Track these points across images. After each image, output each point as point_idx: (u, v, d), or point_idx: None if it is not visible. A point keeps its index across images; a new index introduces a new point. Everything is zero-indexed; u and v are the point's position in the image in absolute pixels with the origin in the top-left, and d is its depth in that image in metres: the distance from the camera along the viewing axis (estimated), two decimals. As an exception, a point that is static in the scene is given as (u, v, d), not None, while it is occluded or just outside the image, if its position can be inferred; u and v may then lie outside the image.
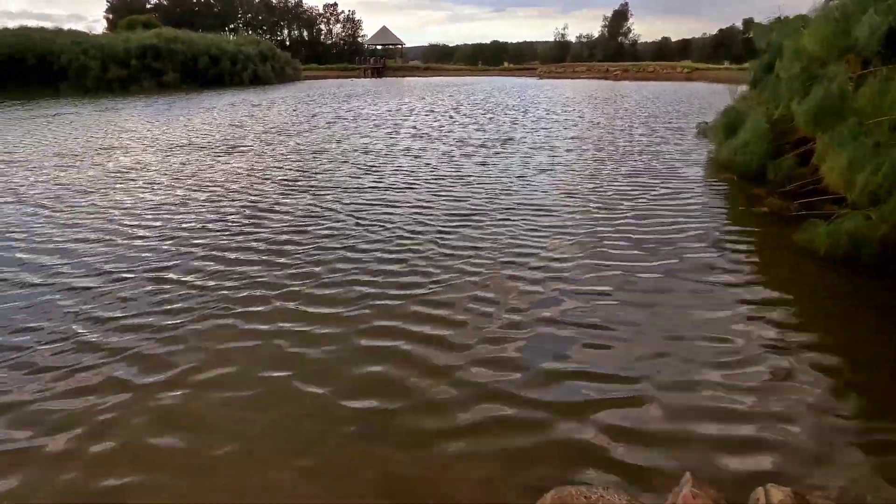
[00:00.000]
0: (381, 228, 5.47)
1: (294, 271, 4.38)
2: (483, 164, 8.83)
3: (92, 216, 5.99)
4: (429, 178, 7.84)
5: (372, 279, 4.20)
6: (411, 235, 5.25)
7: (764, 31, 8.38)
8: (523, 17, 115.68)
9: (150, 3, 64.69)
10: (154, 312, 3.67)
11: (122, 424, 2.55)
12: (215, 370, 2.99)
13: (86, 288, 4.07)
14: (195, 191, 7.14)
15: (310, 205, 6.42)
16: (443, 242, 5.03)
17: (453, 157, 9.48)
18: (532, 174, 7.97)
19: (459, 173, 8.09)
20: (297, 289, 4.04)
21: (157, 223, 5.71)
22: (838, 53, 6.06)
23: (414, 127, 13.54)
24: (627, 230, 5.36)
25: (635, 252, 4.77)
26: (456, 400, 2.72)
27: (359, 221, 5.73)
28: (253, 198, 6.77)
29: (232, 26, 68.06)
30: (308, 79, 42.99)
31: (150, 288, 4.07)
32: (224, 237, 5.24)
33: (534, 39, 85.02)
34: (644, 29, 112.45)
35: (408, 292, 3.95)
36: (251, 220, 5.81)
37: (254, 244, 5.04)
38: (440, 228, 5.44)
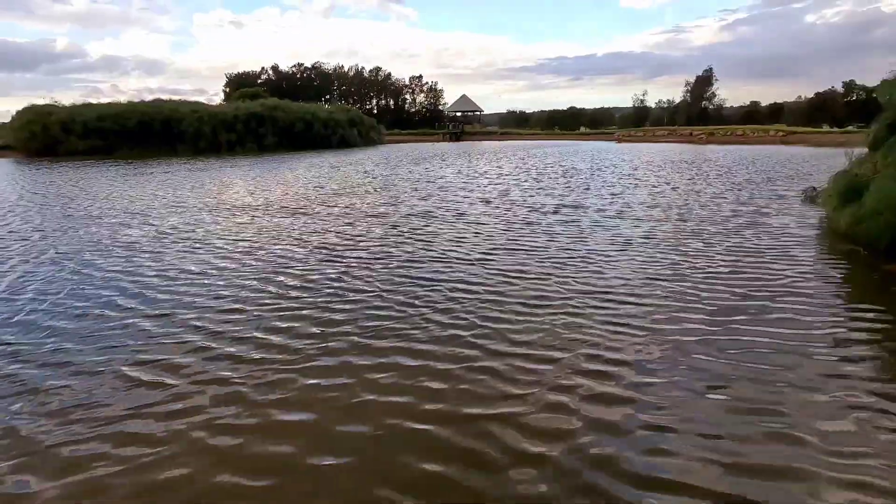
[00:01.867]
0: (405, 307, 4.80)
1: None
2: (553, 234, 8.15)
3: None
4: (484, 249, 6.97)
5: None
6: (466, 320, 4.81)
7: (890, 86, 7.43)
8: (601, 85, 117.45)
9: (260, 79, 73.76)
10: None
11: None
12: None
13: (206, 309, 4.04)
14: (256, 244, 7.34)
15: (329, 278, 5.73)
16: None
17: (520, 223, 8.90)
18: (608, 249, 6.96)
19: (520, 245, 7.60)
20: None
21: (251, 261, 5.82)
22: None
23: (477, 191, 12.99)
24: (725, 330, 4.45)
25: (737, 359, 3.79)
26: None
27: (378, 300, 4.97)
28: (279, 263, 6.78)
29: (328, 97, 75.26)
30: (391, 142, 45.74)
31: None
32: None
33: (611, 105, 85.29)
34: (729, 94, 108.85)
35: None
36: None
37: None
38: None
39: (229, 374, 3.50)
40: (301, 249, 7.00)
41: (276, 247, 7.16)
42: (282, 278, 5.65)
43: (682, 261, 6.18)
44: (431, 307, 4.69)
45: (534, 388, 3.27)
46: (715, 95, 70.57)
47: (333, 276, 5.73)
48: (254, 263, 6.29)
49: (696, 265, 5.96)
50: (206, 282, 5.54)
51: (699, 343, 3.89)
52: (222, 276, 5.77)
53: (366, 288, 5.28)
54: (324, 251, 6.90)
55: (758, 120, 57.89)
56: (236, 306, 4.78)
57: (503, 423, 2.91)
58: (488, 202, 11.02)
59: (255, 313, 4.59)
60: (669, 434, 2.77)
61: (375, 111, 75.10)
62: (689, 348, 3.80)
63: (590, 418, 2.95)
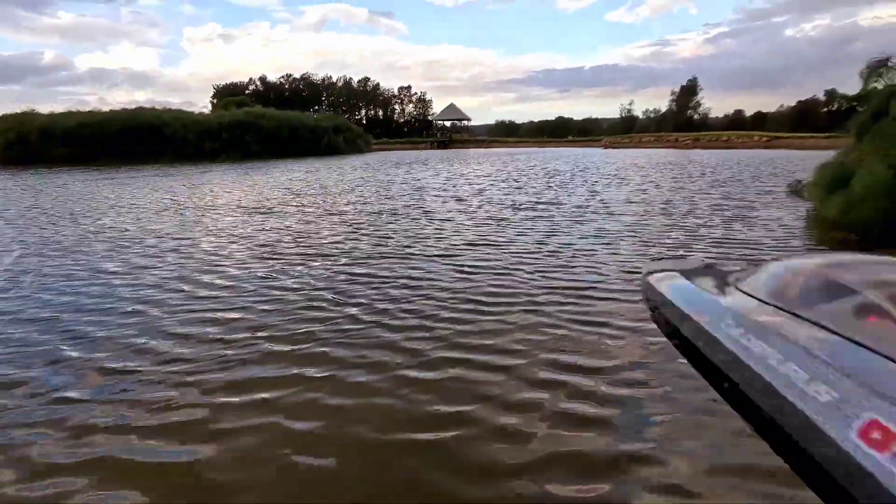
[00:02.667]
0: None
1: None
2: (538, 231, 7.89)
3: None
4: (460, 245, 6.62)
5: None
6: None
7: (874, 72, 7.29)
8: (589, 96, 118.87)
9: (248, 90, 73.42)
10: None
11: None
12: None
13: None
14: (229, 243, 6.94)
15: (258, 276, 5.31)
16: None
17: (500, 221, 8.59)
18: (590, 241, 6.71)
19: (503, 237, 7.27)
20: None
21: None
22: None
23: (452, 191, 12.49)
24: None
25: None
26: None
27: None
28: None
29: (316, 108, 75.02)
30: (379, 150, 45.51)
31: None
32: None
33: (599, 116, 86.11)
34: (714, 104, 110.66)
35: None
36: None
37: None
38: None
39: (122, 384, 2.99)
40: (237, 247, 6.52)
41: (211, 245, 6.69)
42: (205, 277, 5.13)
43: (674, 244, 5.97)
44: (367, 307, 4.13)
45: (483, 405, 2.62)
46: (700, 105, 71.50)
47: (263, 274, 5.19)
48: (179, 261, 5.84)
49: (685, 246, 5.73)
50: (116, 282, 5.00)
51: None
52: (140, 275, 5.25)
53: (296, 286, 4.75)
54: (262, 248, 6.42)
55: (743, 128, 58.61)
56: (139, 308, 4.19)
57: (438, 454, 2.25)
58: (461, 200, 10.71)
59: (157, 316, 4.01)
60: (657, 467, 2.15)
61: (364, 121, 74.97)
62: (671, 352, 3.48)
63: (551, 448, 2.26)
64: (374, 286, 4.70)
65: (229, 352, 3.32)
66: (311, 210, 9.72)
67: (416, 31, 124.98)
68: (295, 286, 4.75)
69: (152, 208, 10.21)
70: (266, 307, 4.17)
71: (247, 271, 5.34)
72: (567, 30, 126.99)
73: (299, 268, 5.43)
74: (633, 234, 6.88)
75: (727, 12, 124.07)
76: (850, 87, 7.69)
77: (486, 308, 4.04)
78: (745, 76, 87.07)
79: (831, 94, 63.43)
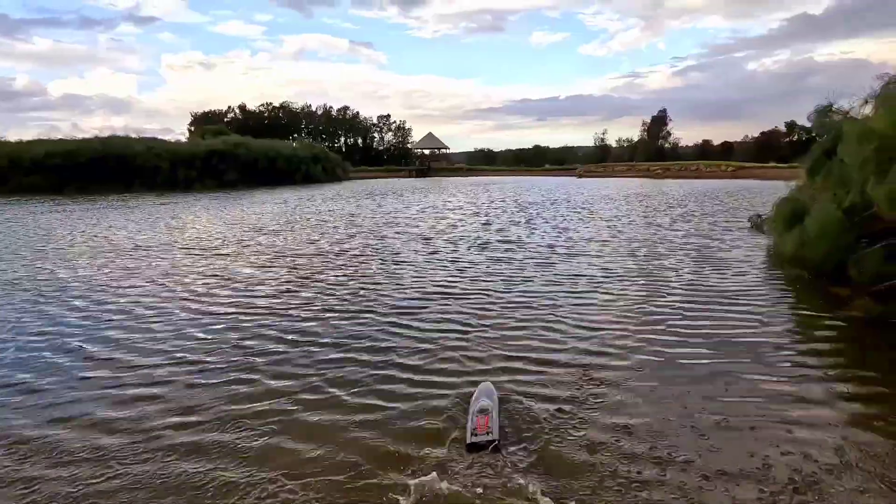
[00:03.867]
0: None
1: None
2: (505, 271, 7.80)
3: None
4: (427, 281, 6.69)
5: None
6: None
7: (821, 115, 7.63)
8: (565, 125, 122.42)
9: (227, 118, 73.25)
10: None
11: None
12: None
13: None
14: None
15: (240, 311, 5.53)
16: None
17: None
18: (557, 278, 6.90)
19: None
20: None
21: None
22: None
23: (416, 227, 12.16)
24: (676, 344, 4.24)
25: (688, 380, 3.62)
26: None
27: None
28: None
29: (295, 135, 75.11)
30: (357, 178, 45.56)
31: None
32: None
33: (574, 144, 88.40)
34: (683, 133, 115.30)
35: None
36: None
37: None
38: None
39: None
40: (153, 300, 5.91)
41: (120, 297, 6.03)
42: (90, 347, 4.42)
43: (638, 292, 6.00)
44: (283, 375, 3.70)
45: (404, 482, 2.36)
46: (670, 134, 74.29)
47: (172, 338, 4.55)
48: (78, 305, 5.58)
49: (649, 296, 5.78)
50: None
51: (650, 357, 3.54)
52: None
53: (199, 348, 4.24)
54: (184, 303, 5.72)
55: (711, 157, 60.87)
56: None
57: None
58: (427, 239, 10.12)
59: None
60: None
61: (344, 149, 75.33)
62: (630, 384, 3.45)
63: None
64: (300, 345, 4.29)
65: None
66: (264, 250, 9.13)
67: (396, 61, 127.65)
68: (194, 349, 4.24)
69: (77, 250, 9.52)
70: (160, 379, 3.71)
71: (150, 334, 4.65)
72: (542, 62, 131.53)
73: (214, 325, 4.87)
74: (596, 286, 6.21)
75: (693, 47, 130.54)
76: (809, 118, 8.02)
77: (436, 379, 3.60)
78: (712, 107, 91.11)
79: (791, 126, 66.90)
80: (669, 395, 3.26)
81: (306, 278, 6.93)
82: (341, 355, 4.06)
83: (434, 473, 2.38)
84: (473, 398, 3.08)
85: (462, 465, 2.53)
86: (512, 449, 2.67)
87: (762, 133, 70.72)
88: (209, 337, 4.55)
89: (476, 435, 2.70)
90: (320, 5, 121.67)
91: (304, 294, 6.05)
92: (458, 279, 6.69)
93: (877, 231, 5.63)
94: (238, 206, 19.00)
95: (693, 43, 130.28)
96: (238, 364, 3.92)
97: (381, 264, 7.79)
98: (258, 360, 4.00)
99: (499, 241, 9.77)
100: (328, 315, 5.15)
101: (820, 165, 7.79)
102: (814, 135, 8.45)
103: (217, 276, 7.11)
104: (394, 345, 4.29)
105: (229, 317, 5.16)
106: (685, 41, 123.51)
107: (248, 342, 4.40)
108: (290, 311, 5.32)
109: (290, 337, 4.53)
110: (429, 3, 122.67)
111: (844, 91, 7.76)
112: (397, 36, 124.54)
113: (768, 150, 63.79)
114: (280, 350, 4.22)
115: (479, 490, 2.31)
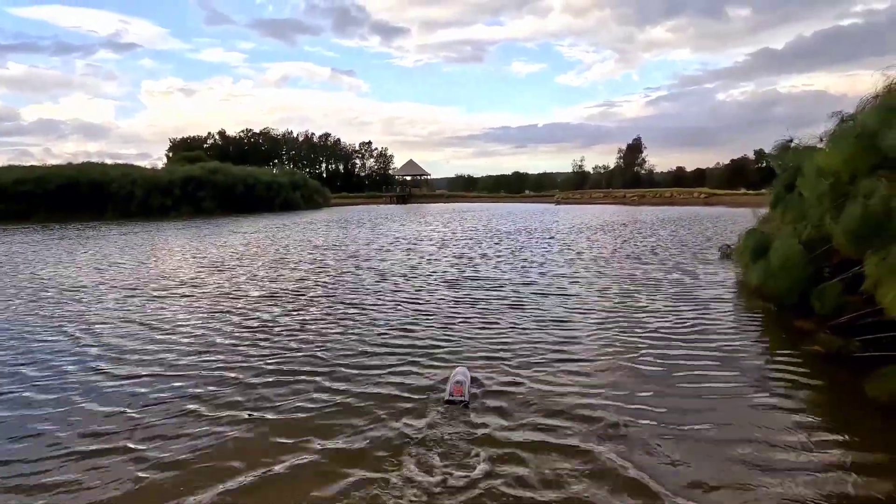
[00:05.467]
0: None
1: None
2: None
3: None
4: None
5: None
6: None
7: (782, 151, 7.93)
8: (543, 152, 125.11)
9: (206, 144, 72.83)
10: None
11: None
12: None
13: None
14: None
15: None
16: None
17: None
18: (532, 312, 6.87)
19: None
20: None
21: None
22: (868, 169, 5.41)
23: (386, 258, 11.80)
24: (647, 378, 4.23)
25: (660, 412, 3.60)
26: None
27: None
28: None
29: (276, 161, 74.93)
30: (338, 205, 45.42)
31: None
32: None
33: (553, 171, 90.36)
34: (658, 160, 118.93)
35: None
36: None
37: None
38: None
39: None
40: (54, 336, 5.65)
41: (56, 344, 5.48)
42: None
43: (606, 319, 5.99)
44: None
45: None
46: (645, 161, 76.54)
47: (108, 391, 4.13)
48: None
49: (620, 325, 5.79)
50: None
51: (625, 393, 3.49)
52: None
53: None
54: (123, 354, 5.09)
55: (685, 184, 62.78)
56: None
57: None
58: (395, 276, 9.37)
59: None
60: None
61: (325, 175, 75.42)
62: (598, 414, 3.39)
63: None
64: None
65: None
66: (224, 289, 8.37)
67: (377, 89, 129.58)
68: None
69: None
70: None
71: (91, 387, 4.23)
72: (521, 91, 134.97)
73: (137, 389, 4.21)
74: (563, 325, 5.87)
75: (665, 78, 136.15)
76: (782, 136, 8.26)
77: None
78: (684, 135, 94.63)
79: (759, 154, 69.66)
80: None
81: (246, 327, 6.03)
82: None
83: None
84: (451, 375, 4.00)
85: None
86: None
87: (732, 160, 73.34)
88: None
89: (452, 396, 3.70)
90: (303, 34, 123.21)
91: (240, 347, 5.24)
92: (414, 325, 6.05)
93: (837, 262, 5.79)
94: (210, 236, 18.22)
95: (664, 74, 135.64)
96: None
97: (330, 309, 6.94)
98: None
99: (471, 277, 9.21)
100: (247, 378, 4.36)
101: (781, 199, 8.06)
102: (777, 165, 8.71)
103: (142, 323, 6.24)
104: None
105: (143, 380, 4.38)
106: (657, 72, 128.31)
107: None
108: (219, 377, 4.43)
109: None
110: (410, 34, 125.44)
111: (807, 119, 8.10)
112: (379, 64, 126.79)
113: (739, 177, 66.12)
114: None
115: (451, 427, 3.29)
